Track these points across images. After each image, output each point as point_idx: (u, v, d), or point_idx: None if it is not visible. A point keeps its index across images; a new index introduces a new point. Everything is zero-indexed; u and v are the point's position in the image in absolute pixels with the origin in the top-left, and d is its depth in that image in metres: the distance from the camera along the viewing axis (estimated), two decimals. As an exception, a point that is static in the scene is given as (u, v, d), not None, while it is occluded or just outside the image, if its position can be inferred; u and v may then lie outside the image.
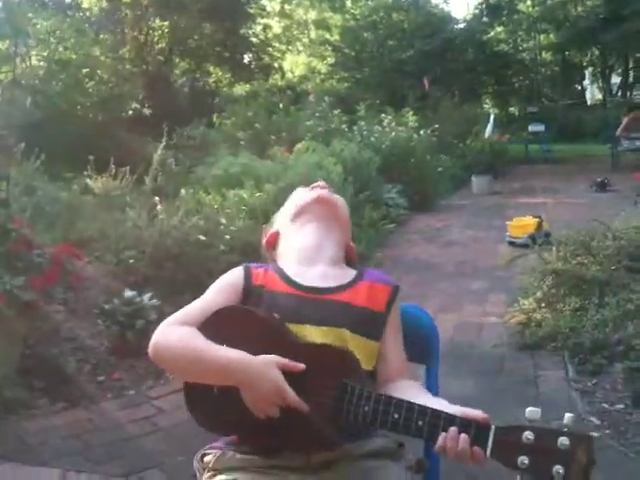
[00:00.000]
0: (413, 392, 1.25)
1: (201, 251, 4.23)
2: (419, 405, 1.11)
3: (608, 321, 3.58)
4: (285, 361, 1.15)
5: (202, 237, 4.26)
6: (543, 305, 4.13)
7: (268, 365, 1.14)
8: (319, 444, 1.18)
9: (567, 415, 1.05)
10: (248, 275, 1.35)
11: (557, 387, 3.19)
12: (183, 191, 5.63)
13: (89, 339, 3.52)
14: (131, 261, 4.07)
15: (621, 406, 2.95)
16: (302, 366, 1.15)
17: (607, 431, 2.73)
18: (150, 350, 1.24)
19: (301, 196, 1.51)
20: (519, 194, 10.14)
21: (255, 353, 1.16)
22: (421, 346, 1.52)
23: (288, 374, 1.15)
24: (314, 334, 1.24)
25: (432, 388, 1.46)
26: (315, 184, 1.54)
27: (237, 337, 1.20)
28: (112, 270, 4.05)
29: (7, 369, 3.04)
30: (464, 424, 1.08)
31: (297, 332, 1.23)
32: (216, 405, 1.21)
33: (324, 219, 1.45)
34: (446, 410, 1.11)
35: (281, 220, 1.53)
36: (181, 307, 4.09)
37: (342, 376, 1.15)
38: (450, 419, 1.09)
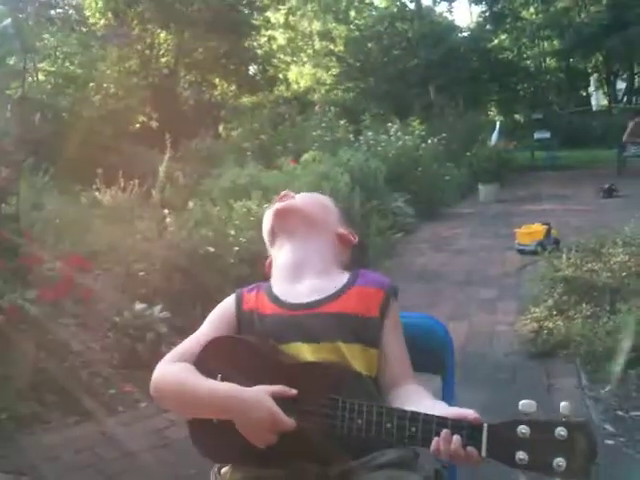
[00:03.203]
0: (416, 398, 1.24)
1: (210, 263, 4.23)
2: (411, 412, 1.10)
3: (620, 328, 3.56)
4: (276, 389, 1.15)
5: (211, 249, 4.27)
6: (554, 313, 4.10)
7: (260, 395, 1.14)
8: (328, 460, 1.17)
9: (563, 404, 1.03)
10: (239, 301, 1.37)
11: (571, 395, 3.16)
12: (191, 203, 5.64)
13: (100, 352, 3.51)
14: (141, 274, 4.08)
15: (636, 413, 2.93)
16: (293, 392, 1.15)
17: (622, 439, 2.70)
18: (151, 390, 1.27)
19: (266, 219, 1.52)
20: (526, 201, 10.11)
21: (248, 381, 1.17)
22: (436, 357, 1.50)
23: (282, 399, 1.15)
24: (307, 351, 1.23)
25: (448, 399, 1.43)
26: (277, 196, 1.54)
27: (230, 367, 1.21)
28: (122, 283, 4.06)
29: (20, 384, 3.04)
30: (456, 425, 1.07)
31: (291, 352, 1.23)
32: (218, 435, 1.20)
33: (292, 231, 1.43)
34: (439, 413, 1.09)
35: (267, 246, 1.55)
36: (190, 319, 4.04)
37: (333, 391, 1.14)
38: (442, 422, 1.07)
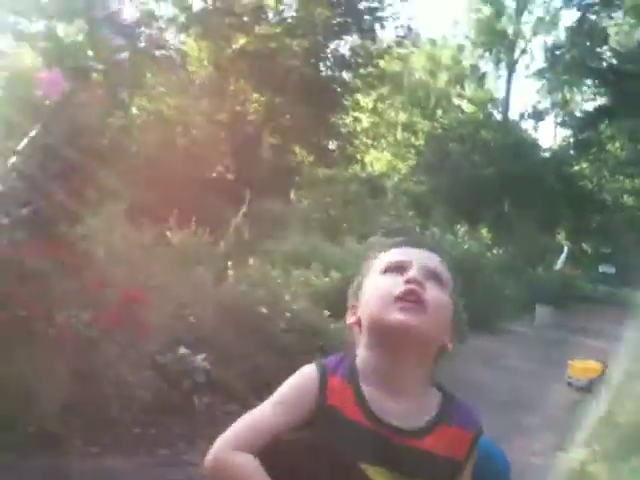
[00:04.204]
0: None
1: (260, 324, 4.21)
2: None
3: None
4: None
5: (264, 310, 4.25)
6: (599, 458, 3.88)
7: None
8: None
9: None
10: (323, 389, 1.16)
11: None
12: (251, 261, 5.69)
13: (135, 388, 3.48)
14: (191, 319, 4.08)
15: None
16: None
17: None
18: (209, 467, 1.11)
19: (382, 291, 1.19)
20: (582, 333, 9.79)
21: None
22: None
23: None
24: (381, 478, 1.13)
25: None
26: (403, 277, 1.19)
27: (302, 474, 1.10)
28: (171, 324, 4.06)
29: (53, 401, 3.03)
30: None
31: (368, 474, 1.12)
32: None
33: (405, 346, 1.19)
34: None
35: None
36: (229, 375, 3.96)
37: None
38: None
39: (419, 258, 1.23)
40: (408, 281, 1.17)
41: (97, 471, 2.88)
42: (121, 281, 3.80)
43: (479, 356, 7.18)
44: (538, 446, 4.36)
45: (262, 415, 1.15)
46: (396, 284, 1.18)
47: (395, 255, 1.25)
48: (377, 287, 1.21)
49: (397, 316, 1.14)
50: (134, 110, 10.26)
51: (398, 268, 1.21)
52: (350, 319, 1.27)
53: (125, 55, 3.72)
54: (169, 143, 10.75)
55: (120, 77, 3.76)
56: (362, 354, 1.22)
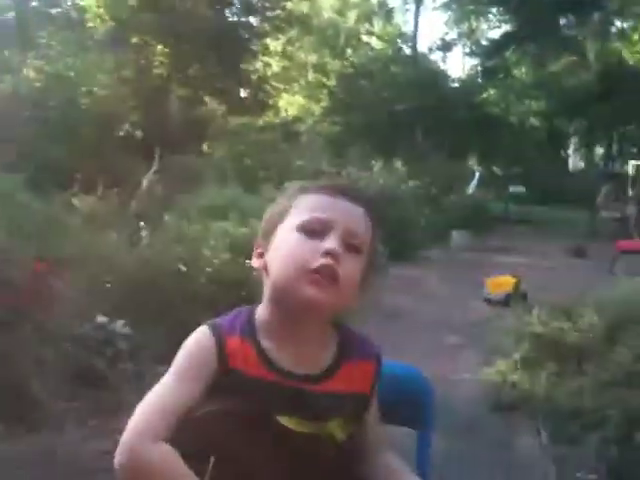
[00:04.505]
0: (397, 476, 1.19)
1: (181, 282, 4.15)
2: None
3: (585, 389, 3.56)
4: None
5: (183, 268, 4.19)
6: (519, 367, 4.11)
7: None
8: None
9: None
10: (222, 352, 1.11)
11: (530, 453, 3.15)
12: (167, 218, 5.57)
13: (55, 363, 3.38)
14: (107, 285, 3.98)
15: (594, 476, 2.91)
16: None
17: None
18: (125, 463, 1.02)
19: (299, 250, 1.11)
20: (497, 252, 10.22)
21: (245, 460, 1.06)
22: (413, 410, 1.43)
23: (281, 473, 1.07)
24: (296, 425, 1.13)
25: (423, 456, 1.37)
26: (326, 248, 1.09)
27: (223, 447, 1.07)
28: (86, 293, 3.95)
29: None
30: None
31: (284, 423, 1.12)
32: None
33: (309, 317, 1.16)
34: None
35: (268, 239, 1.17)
36: (153, 339, 3.90)
37: (331, 463, 1.10)
38: None
39: (344, 218, 1.13)
40: (327, 253, 1.09)
41: (27, 451, 2.82)
42: (27, 255, 3.64)
43: (400, 283, 7.39)
44: (463, 362, 4.57)
45: (168, 393, 1.09)
46: (312, 252, 1.09)
47: (317, 209, 1.13)
48: (290, 249, 1.12)
49: (307, 291, 1.09)
50: (31, 73, 9.67)
51: (318, 229, 1.11)
52: (256, 262, 1.20)
53: (11, 15, 3.45)
54: (70, 104, 10.20)
55: (6, 39, 3.49)
56: (263, 308, 1.19)
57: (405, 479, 1.17)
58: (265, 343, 1.14)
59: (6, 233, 3.71)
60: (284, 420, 1.11)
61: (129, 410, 1.10)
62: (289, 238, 1.12)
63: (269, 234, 1.17)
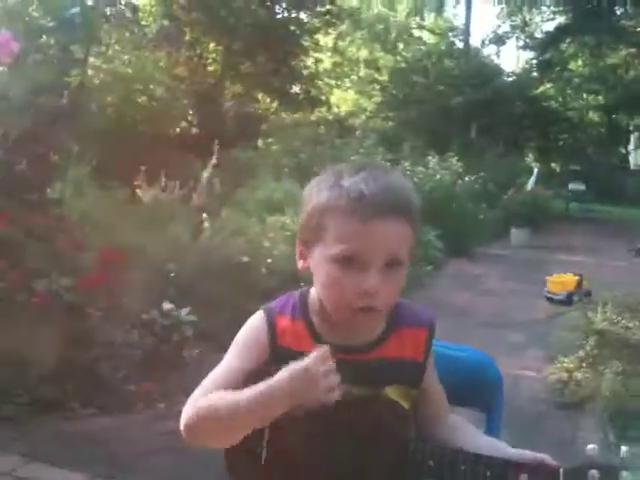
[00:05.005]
0: (463, 433, 1.23)
1: (242, 273, 4.22)
2: (486, 456, 1.08)
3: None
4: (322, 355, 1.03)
5: (244, 259, 4.26)
6: (584, 365, 4.03)
7: (298, 366, 1.03)
8: None
9: (589, 447, 1.07)
10: (272, 332, 1.18)
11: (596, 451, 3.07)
12: (225, 211, 5.66)
13: (124, 348, 3.49)
14: (172, 274, 4.07)
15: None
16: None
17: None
18: (183, 432, 1.12)
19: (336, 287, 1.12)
20: (558, 250, 9.99)
21: (295, 421, 1.08)
22: (483, 394, 1.46)
23: (341, 439, 1.10)
24: (348, 393, 1.13)
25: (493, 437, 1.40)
26: (368, 285, 1.09)
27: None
28: (152, 281, 4.05)
29: (43, 369, 3.04)
30: (533, 470, 1.05)
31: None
32: (256, 467, 1.14)
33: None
34: (511, 456, 1.08)
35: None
36: (216, 326, 3.99)
37: (396, 429, 1.11)
38: (518, 467, 1.05)
39: (382, 245, 1.09)
40: (368, 293, 1.09)
41: (97, 431, 2.92)
42: (97, 244, 3.76)
43: (460, 280, 7.32)
44: (525, 360, 4.50)
45: (222, 368, 1.18)
46: (353, 289, 1.09)
47: (350, 239, 1.09)
48: (330, 283, 1.13)
49: (350, 317, 1.13)
50: (90, 71, 9.95)
51: (355, 260, 1.09)
52: (300, 264, 1.21)
53: (77, 10, 3.56)
54: (129, 101, 10.48)
55: (73, 33, 3.60)
56: (315, 292, 1.20)
57: (475, 438, 1.20)
58: (316, 320, 1.20)
59: (77, 221, 3.84)
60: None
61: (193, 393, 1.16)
62: (327, 269, 1.12)
63: (307, 244, 1.18)
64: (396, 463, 1.10)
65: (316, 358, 1.03)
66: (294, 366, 1.04)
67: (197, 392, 1.15)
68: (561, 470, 1.04)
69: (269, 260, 4.43)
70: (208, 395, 1.12)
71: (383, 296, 1.11)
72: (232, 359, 1.19)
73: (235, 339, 1.21)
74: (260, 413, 1.06)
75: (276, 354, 1.17)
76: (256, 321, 1.21)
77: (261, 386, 1.05)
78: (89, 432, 2.87)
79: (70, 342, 3.24)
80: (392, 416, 1.14)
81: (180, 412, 1.14)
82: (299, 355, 1.10)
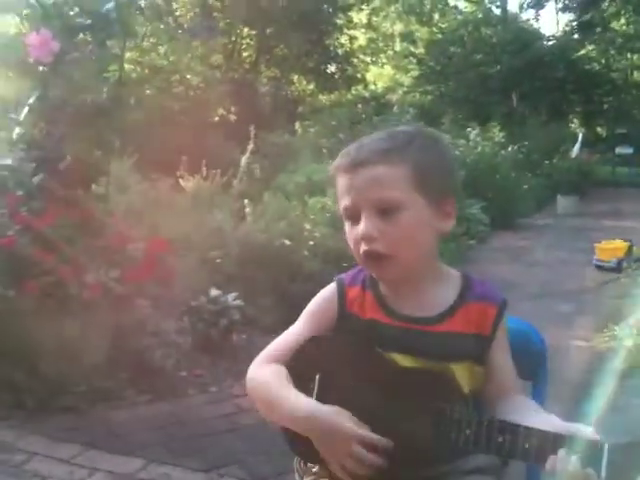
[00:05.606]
0: (523, 410, 1.19)
1: (285, 256, 4.27)
2: (525, 427, 1.05)
3: None
4: (366, 437, 1.10)
5: (287, 242, 4.30)
6: (635, 332, 3.94)
7: (339, 416, 1.11)
8: (422, 466, 1.15)
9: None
10: (342, 299, 1.26)
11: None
12: (266, 196, 5.70)
13: (174, 335, 3.58)
14: (217, 261, 4.15)
15: None
16: (385, 442, 1.11)
17: None
18: (247, 384, 1.26)
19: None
20: (606, 217, 9.75)
21: (348, 384, 1.16)
22: (528, 363, 1.46)
23: (376, 401, 1.14)
24: (412, 363, 1.19)
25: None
26: (361, 233, 1.17)
27: (330, 368, 1.19)
28: (198, 268, 4.13)
29: (97, 359, 3.14)
30: (574, 444, 1.00)
31: (397, 360, 1.19)
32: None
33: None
34: (555, 430, 1.03)
35: None
36: (262, 309, 4.05)
37: (442, 400, 1.11)
38: (559, 440, 1.01)
39: (366, 193, 1.15)
40: (362, 239, 1.17)
41: (152, 417, 3.01)
42: (143, 234, 3.85)
43: (506, 252, 7.22)
44: (576, 329, 4.43)
45: (290, 331, 1.28)
46: (356, 240, 1.19)
47: (343, 194, 1.19)
48: (345, 233, 1.23)
49: (370, 270, 1.24)
50: (127, 65, 10.10)
51: (353, 214, 1.18)
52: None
53: (111, 5, 3.60)
54: (167, 92, 10.62)
55: (109, 29, 3.66)
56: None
57: (541, 417, 1.16)
58: (385, 291, 1.25)
59: (122, 214, 3.93)
60: (397, 357, 1.19)
61: (244, 377, 1.23)
62: (345, 225, 1.23)
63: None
64: (433, 427, 1.11)
65: (359, 432, 1.10)
66: (337, 417, 1.11)
67: (262, 354, 1.26)
68: (606, 446, 0.99)
69: (311, 242, 4.46)
70: (263, 367, 1.23)
71: (386, 241, 1.16)
72: (300, 325, 1.28)
73: (306, 308, 1.30)
74: (287, 423, 1.18)
75: (344, 320, 1.25)
76: (327, 291, 1.29)
77: (296, 406, 1.14)
78: (144, 418, 2.95)
79: (122, 332, 3.34)
80: (449, 396, 1.14)
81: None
82: (366, 322, 1.21)
